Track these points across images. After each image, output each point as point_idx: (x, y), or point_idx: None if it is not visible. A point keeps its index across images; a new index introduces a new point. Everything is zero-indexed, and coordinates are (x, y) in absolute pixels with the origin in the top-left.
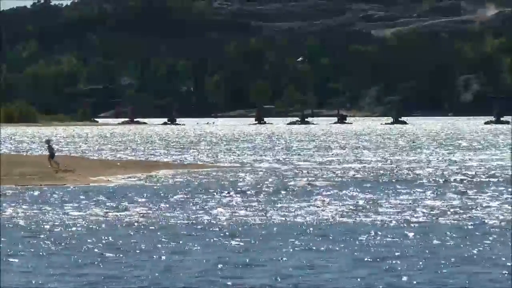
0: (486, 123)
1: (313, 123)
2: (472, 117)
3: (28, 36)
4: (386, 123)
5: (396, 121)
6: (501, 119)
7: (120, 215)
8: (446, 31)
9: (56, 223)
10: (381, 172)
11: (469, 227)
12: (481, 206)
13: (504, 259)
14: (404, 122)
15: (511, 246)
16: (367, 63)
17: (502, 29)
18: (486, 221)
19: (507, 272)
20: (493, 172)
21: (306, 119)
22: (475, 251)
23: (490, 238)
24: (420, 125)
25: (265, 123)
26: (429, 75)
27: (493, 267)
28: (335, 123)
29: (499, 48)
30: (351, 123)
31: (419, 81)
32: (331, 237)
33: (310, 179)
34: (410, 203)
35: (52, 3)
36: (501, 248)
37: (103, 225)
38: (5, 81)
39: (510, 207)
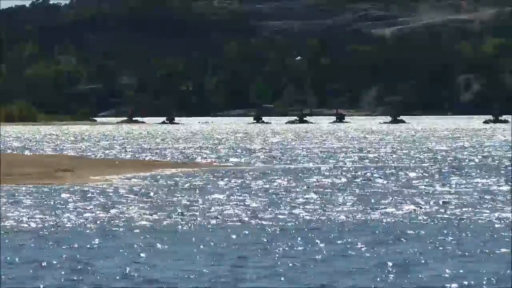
0: (485, 122)
1: (311, 122)
2: (471, 116)
3: (28, 36)
4: (384, 122)
5: (394, 121)
6: (500, 118)
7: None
8: (446, 31)
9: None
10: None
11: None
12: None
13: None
14: (403, 121)
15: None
16: (367, 63)
17: (502, 29)
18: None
19: None
20: None
21: (304, 118)
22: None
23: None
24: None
25: (263, 122)
26: (429, 75)
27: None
28: (333, 122)
29: (499, 48)
30: (350, 122)
31: (419, 81)
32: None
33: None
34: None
35: (51, 2)
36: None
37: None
38: (5, 81)
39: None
